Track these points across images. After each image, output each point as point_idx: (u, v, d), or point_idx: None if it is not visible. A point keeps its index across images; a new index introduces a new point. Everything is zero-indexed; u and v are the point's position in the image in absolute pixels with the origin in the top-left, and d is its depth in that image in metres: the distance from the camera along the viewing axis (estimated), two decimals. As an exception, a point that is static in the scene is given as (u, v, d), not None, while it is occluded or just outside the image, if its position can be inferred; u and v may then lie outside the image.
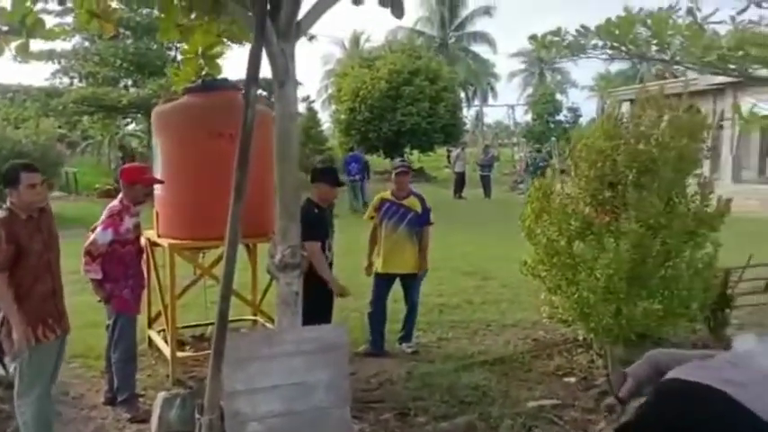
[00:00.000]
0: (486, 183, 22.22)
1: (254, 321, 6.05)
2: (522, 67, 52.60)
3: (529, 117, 44.71)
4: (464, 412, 4.37)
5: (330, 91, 37.89)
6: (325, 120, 34.37)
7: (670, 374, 2.72)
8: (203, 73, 5.28)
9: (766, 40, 6.89)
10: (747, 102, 19.45)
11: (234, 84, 5.46)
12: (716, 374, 2.57)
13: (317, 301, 4.94)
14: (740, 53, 6.81)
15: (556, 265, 5.54)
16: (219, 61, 5.26)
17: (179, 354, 5.16)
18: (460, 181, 22.01)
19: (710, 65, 7.02)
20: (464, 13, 46.59)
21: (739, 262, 6.34)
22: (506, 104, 46.90)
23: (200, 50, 5.00)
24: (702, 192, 5.26)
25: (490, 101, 51.68)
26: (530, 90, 51.08)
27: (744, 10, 6.26)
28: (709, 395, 2.48)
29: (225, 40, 5.16)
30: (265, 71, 3.53)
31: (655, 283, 5.16)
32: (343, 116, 28.72)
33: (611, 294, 5.05)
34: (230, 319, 5.90)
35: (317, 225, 5.02)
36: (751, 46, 6.75)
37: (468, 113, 45.74)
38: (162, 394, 4.23)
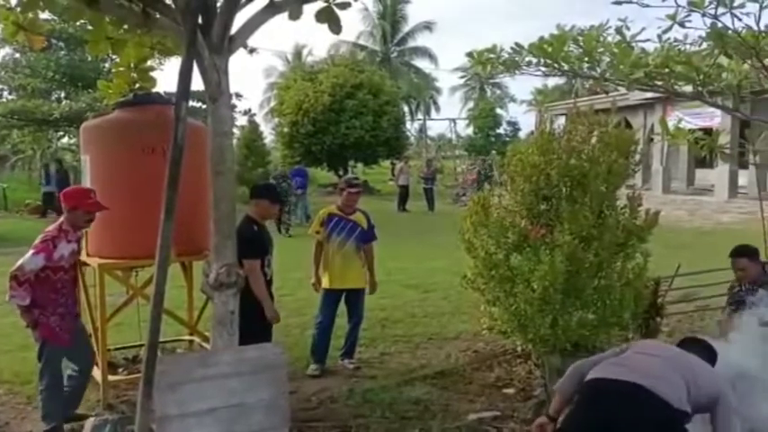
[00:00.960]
0: (429, 196, 22.44)
1: (191, 342, 5.90)
2: (463, 81, 53.55)
3: (470, 130, 45.55)
4: (405, 428, 4.36)
5: (272, 104, 37.59)
6: (268, 133, 34.06)
7: (590, 375, 2.92)
8: (137, 86, 5.16)
9: (690, 59, 7.24)
10: (674, 116, 20.36)
11: (167, 98, 5.35)
12: (627, 370, 2.87)
13: (256, 319, 4.85)
14: (666, 70, 7.13)
15: (494, 278, 5.62)
16: (154, 74, 5.18)
17: (110, 377, 4.98)
18: (404, 194, 22.20)
19: (638, 81, 7.30)
20: (405, 28, 47.20)
21: (669, 271, 6.58)
22: (448, 118, 47.51)
23: (132, 64, 4.91)
24: (631, 204, 5.44)
25: (433, 114, 52.44)
26: (471, 104, 52.02)
27: (669, 29, 6.55)
28: (632, 389, 2.77)
29: (158, 53, 5.07)
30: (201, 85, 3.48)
31: (588, 294, 5.28)
32: (285, 129, 28.56)
33: (547, 305, 5.15)
34: (166, 339, 5.82)
35: (256, 242, 4.94)
36: (676, 63, 7.06)
37: (411, 127, 46.26)
38: (91, 420, 4.06)
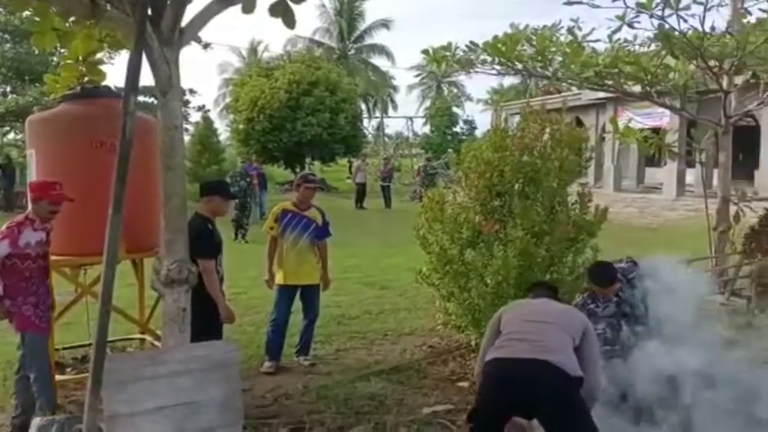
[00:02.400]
0: (386, 193, 22.51)
1: (142, 341, 5.79)
2: (420, 79, 53.82)
3: (427, 129, 45.84)
4: (360, 423, 4.37)
5: (227, 100, 37.07)
6: (223, 129, 33.62)
7: (492, 354, 3.13)
8: (85, 80, 5.03)
9: (638, 59, 7.45)
10: (625, 116, 20.87)
11: (116, 91, 5.22)
12: (531, 346, 3.18)
13: (208, 316, 4.79)
14: (615, 70, 7.34)
15: (449, 273, 5.69)
16: (104, 69, 5.05)
17: (59, 377, 4.85)
18: (362, 192, 22.21)
19: (589, 81, 7.51)
20: (362, 25, 47.12)
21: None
22: (405, 116, 47.65)
23: (81, 57, 4.79)
24: (581, 200, 5.57)
25: (390, 112, 52.52)
26: (428, 103, 52.34)
27: (618, 29, 6.73)
28: (536, 366, 3.08)
29: (107, 46, 4.95)
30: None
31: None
32: (241, 126, 28.21)
33: (501, 299, 5.22)
34: (116, 338, 5.71)
35: (211, 241, 4.87)
36: (625, 64, 7.27)
37: (369, 125, 46.28)
38: (36, 420, 3.95)
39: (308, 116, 27.08)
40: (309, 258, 5.71)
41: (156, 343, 5.38)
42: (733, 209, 8.12)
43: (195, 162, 25.33)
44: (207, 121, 27.66)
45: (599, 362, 3.49)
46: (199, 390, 3.64)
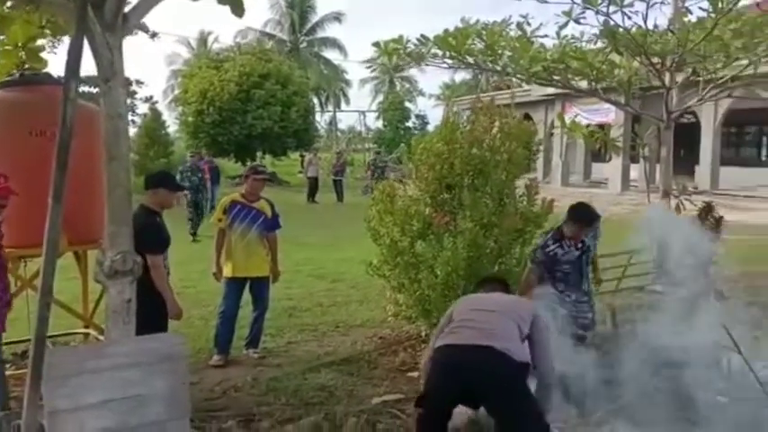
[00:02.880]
0: (338, 188, 22.46)
1: (86, 335, 5.64)
2: (373, 74, 53.83)
3: (380, 123, 45.92)
4: (309, 414, 4.36)
5: (176, 92, 36.33)
6: (172, 122, 32.94)
7: (441, 341, 3.22)
8: (26, 68, 4.87)
9: (584, 55, 7.62)
10: (573, 112, 21.33)
11: (57, 78, 5.06)
12: (477, 333, 3.27)
13: (155, 310, 4.71)
14: (562, 66, 7.49)
15: (399, 265, 5.73)
16: (47, 57, 4.89)
17: (-3, 374, 4.66)
18: (313, 186, 22.11)
19: (537, 76, 7.64)
20: (314, 18, 46.86)
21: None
22: (358, 110, 47.64)
23: (20, 43, 4.61)
24: (529, 193, 5.67)
25: (343, 106, 52.43)
26: (381, 97, 52.41)
27: (564, 25, 6.87)
28: (483, 352, 3.16)
29: (49, 32, 4.79)
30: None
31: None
32: (190, 118, 27.71)
33: (450, 290, 5.30)
34: (59, 333, 5.53)
35: (159, 234, 4.78)
36: (571, 59, 7.43)
37: (321, 119, 46.06)
38: (-27, 419, 3.80)
39: (258, 109, 26.80)
40: (258, 250, 5.66)
41: (100, 337, 5.24)
42: (674, 202, 8.40)
43: (143, 155, 24.77)
44: (155, 112, 27.08)
45: (551, 350, 3.57)
46: (145, 383, 3.56)
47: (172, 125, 32.08)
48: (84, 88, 19.50)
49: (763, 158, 25.30)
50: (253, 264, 5.63)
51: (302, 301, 7.76)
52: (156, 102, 28.35)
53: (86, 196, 4.39)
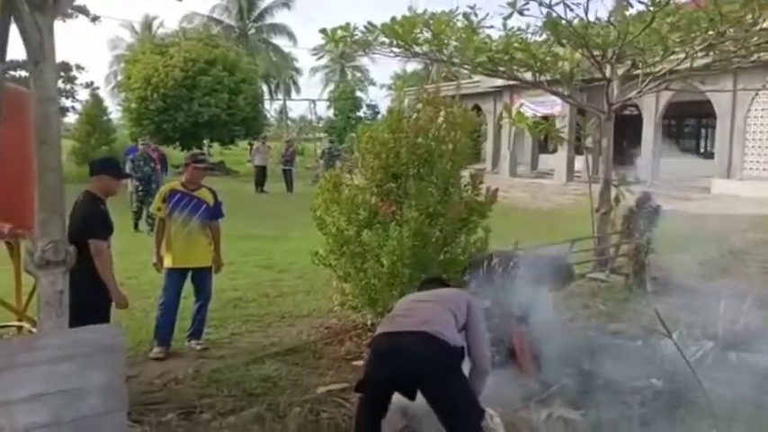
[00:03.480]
0: (288, 177, 22.22)
1: (19, 328, 5.42)
2: (324, 62, 53.43)
3: (331, 113, 45.64)
4: (252, 405, 4.31)
5: (119, 78, 35.27)
6: (114, 108, 32.00)
7: (378, 330, 3.29)
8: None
9: (528, 46, 7.74)
10: (519, 103, 21.65)
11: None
12: (412, 320, 3.36)
13: (98, 297, 4.58)
14: (507, 57, 7.59)
15: (345, 254, 5.71)
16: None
17: None
18: (261, 175, 21.77)
19: (483, 66, 7.72)
20: (263, 3, 46.12)
21: (509, 246, 7.00)
22: (308, 99, 47.17)
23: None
24: (473, 182, 5.72)
25: (293, 95, 51.88)
26: (332, 86, 52.06)
27: (509, 16, 6.96)
28: (416, 337, 3.23)
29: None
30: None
31: (434, 268, 5.51)
32: (133, 105, 26.93)
33: (396, 279, 5.31)
34: (-12, 326, 5.30)
35: (104, 221, 4.65)
36: (516, 50, 7.54)
37: (270, 107, 45.47)
38: None
39: (205, 96, 26.25)
40: (200, 240, 5.55)
41: (33, 330, 5.05)
42: (614, 192, 8.64)
43: (84, 142, 24.00)
44: (96, 99, 26.23)
45: (485, 336, 3.65)
46: (80, 376, 3.46)
47: (114, 112, 31.20)
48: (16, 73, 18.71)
49: (702, 150, 26.24)
50: (194, 254, 5.51)
51: (248, 291, 7.66)
52: (98, 88, 27.59)
53: (17, 183, 4.22)
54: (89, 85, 26.33)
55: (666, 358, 4.91)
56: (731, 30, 6.79)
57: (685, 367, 4.44)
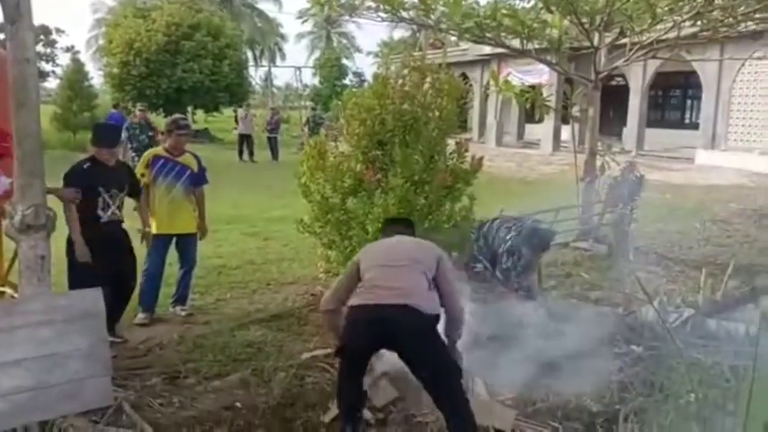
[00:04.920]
0: (273, 145, 22.02)
1: (1, 293, 5.39)
2: (309, 28, 52.69)
3: (317, 80, 45.15)
4: (237, 369, 4.34)
5: (101, 42, 34.56)
6: (96, 73, 31.44)
7: (354, 302, 3.50)
8: None
9: (517, 13, 7.66)
10: (506, 72, 21.53)
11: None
12: (391, 293, 3.39)
13: (84, 264, 4.57)
14: (495, 23, 7.50)
15: (330, 222, 5.69)
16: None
17: None
18: (247, 143, 21.49)
19: (470, 32, 7.64)
20: (248, -32, 45.22)
21: (494, 214, 7.02)
22: (294, 66, 46.55)
23: None
24: (458, 150, 5.70)
25: (278, 62, 51.19)
26: (317, 53, 51.40)
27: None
28: (392, 308, 3.32)
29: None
30: None
31: (419, 236, 5.51)
32: (115, 70, 26.43)
33: (381, 246, 5.30)
34: (-30, 292, 5.26)
35: (73, 175, 4.71)
36: (504, 16, 7.46)
37: (255, 74, 44.89)
38: None
39: (188, 62, 25.83)
40: (184, 206, 5.51)
41: (16, 295, 5.02)
42: (599, 162, 8.66)
43: (65, 108, 23.58)
44: (77, 63, 25.69)
45: (456, 287, 3.73)
46: (62, 341, 3.46)
47: (96, 77, 30.66)
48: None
49: (687, 121, 26.33)
50: (178, 220, 5.48)
51: (232, 258, 7.64)
52: (79, 52, 27.02)
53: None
54: (69, 49, 25.92)
55: (647, 325, 4.99)
56: (719, -2, 6.76)
57: (665, 334, 4.53)
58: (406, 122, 5.49)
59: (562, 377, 4.12)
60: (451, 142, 5.77)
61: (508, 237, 5.30)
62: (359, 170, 5.61)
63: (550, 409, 3.81)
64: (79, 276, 4.55)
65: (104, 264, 4.65)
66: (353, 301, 3.51)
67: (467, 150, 5.74)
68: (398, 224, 4.24)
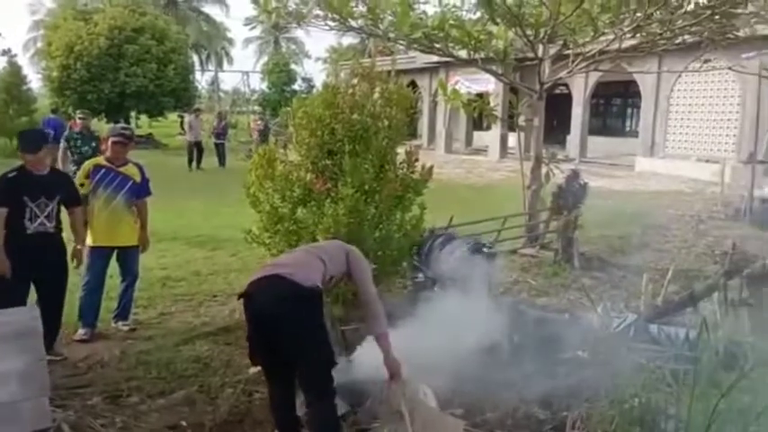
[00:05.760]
0: (220, 151, 21.61)
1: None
2: (258, 33, 52.19)
3: (265, 85, 44.69)
4: (183, 386, 4.22)
5: (39, 45, 33.39)
6: (35, 77, 30.34)
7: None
8: None
9: (464, 24, 7.75)
10: (455, 80, 21.78)
11: None
12: (272, 267, 3.51)
13: (10, 280, 4.38)
14: (442, 33, 7.58)
15: (279, 232, 5.61)
16: None
17: None
18: (197, 150, 20.80)
19: (418, 42, 7.70)
20: (194, -29, 44.51)
21: (444, 222, 7.08)
22: (241, 71, 46.05)
23: None
24: (408, 159, 5.71)
25: (225, 66, 50.54)
26: (266, 58, 50.92)
27: (444, -8, 6.95)
28: (269, 280, 3.35)
29: None
30: None
31: (370, 245, 5.48)
32: (54, 74, 25.57)
33: (330, 257, 5.25)
34: None
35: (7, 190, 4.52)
36: (451, 27, 7.54)
37: (201, 79, 44.16)
38: None
39: (132, 66, 25.21)
40: (125, 218, 5.33)
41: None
42: (544, 170, 8.84)
43: (2, 113, 22.66)
44: (14, 66, 24.71)
45: (368, 277, 3.71)
46: (-3, 361, 3.31)
47: (34, 81, 29.56)
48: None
49: (627, 129, 27.17)
50: (118, 232, 5.30)
51: (177, 270, 7.45)
52: (16, 55, 25.82)
53: None
54: (6, 51, 24.74)
55: (591, 330, 5.09)
56: (658, 12, 6.99)
57: (610, 339, 4.63)
58: (356, 132, 5.48)
59: (509, 385, 4.15)
60: (402, 151, 5.78)
61: (451, 257, 5.27)
62: (308, 180, 5.56)
63: (500, 418, 3.84)
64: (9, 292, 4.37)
65: (28, 277, 4.50)
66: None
67: (417, 160, 5.76)
68: None
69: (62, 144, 9.73)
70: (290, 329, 3.22)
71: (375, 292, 3.70)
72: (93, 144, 10.30)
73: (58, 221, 4.77)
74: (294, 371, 3.38)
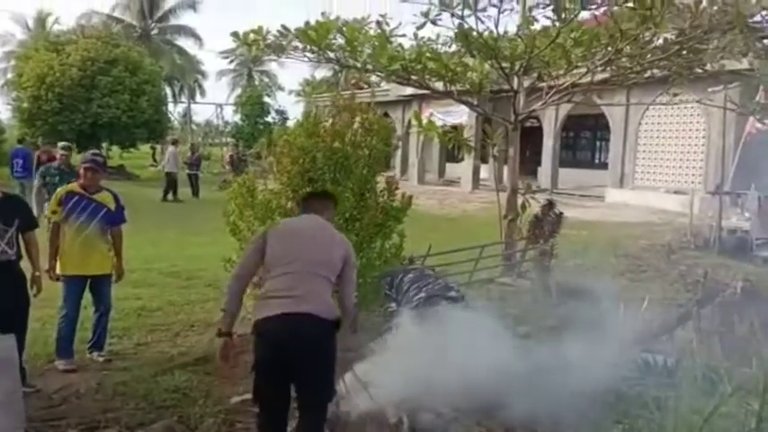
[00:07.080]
0: (194, 182, 21.49)
1: None
2: (231, 66, 52.36)
3: (238, 118, 44.74)
4: (161, 417, 4.12)
5: (10, 75, 33.04)
6: (4, 108, 29.97)
7: (259, 315, 3.42)
8: None
9: (441, 57, 7.91)
10: (428, 112, 22.08)
11: None
12: (294, 302, 3.32)
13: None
14: (419, 66, 7.72)
15: (259, 260, 5.58)
16: None
17: None
18: (172, 182, 20.53)
19: (396, 74, 7.83)
20: (167, 4, 44.63)
21: (422, 251, 7.12)
22: (215, 103, 46.05)
23: None
24: (389, 188, 5.77)
25: (198, 98, 50.50)
26: (239, 90, 51.04)
27: (422, 25, 7.08)
28: (299, 318, 3.27)
29: None
30: None
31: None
32: (25, 104, 25.23)
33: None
34: None
35: None
36: (428, 60, 7.69)
37: (174, 110, 44.05)
38: None
39: (104, 97, 24.99)
40: (98, 246, 5.21)
41: None
42: (520, 200, 8.97)
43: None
44: (-17, 96, 24.42)
45: (353, 280, 3.72)
46: (-31, 393, 3.20)
47: (4, 111, 29.20)
48: None
49: (596, 161, 27.71)
50: (91, 261, 5.17)
51: (153, 300, 7.33)
52: (-15, 85, 25.57)
53: None
54: (-25, 81, 24.47)
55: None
56: (628, 47, 7.22)
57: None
58: (337, 160, 5.53)
59: (495, 410, 4.14)
60: (381, 180, 5.83)
61: (415, 298, 5.21)
62: (289, 207, 5.57)
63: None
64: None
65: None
66: (259, 313, 3.40)
67: (397, 188, 5.82)
68: (316, 201, 3.92)
69: (36, 181, 9.00)
70: (318, 368, 3.33)
71: (353, 297, 3.70)
72: (71, 178, 8.87)
73: (19, 247, 4.62)
74: (290, 401, 3.44)
